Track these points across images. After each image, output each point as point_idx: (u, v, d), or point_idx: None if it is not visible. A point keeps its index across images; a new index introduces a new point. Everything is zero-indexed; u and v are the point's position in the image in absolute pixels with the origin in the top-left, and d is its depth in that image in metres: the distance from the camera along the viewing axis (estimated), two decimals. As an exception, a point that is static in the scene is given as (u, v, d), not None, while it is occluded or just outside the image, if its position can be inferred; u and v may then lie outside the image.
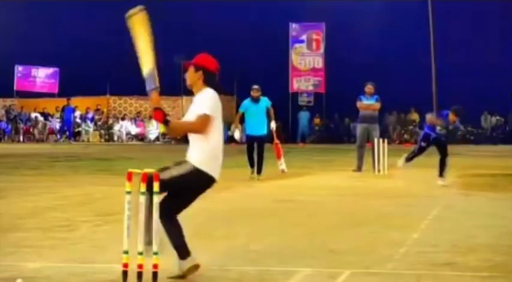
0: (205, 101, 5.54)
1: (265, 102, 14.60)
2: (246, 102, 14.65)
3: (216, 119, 5.53)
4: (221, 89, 5.75)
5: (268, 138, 14.84)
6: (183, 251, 5.51)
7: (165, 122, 5.45)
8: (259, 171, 14.30)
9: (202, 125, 5.47)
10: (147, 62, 5.70)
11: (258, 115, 14.50)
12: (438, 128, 13.08)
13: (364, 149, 16.46)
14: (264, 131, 14.54)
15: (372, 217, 8.84)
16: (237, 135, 14.98)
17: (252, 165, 14.42)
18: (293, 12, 36.69)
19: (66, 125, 36.71)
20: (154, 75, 5.68)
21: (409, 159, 13.89)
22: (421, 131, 36.46)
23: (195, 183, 5.52)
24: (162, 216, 5.35)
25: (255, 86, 14.65)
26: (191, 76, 5.69)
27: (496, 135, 35.69)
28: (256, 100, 14.49)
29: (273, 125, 14.76)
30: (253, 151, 14.39)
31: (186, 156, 5.58)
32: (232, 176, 13.10)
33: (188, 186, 5.51)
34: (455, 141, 30.40)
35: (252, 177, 14.22)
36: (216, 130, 5.56)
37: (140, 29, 5.70)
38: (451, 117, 13.03)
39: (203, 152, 5.53)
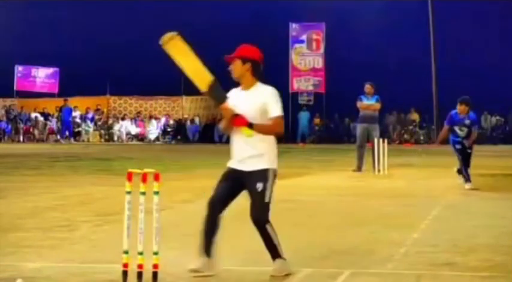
0: (277, 101, 5.66)
1: None
2: None
3: None
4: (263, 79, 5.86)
5: None
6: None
7: (250, 125, 5.52)
8: None
9: (282, 127, 5.67)
10: (203, 79, 5.72)
11: None
12: (457, 128, 12.41)
13: (364, 149, 16.45)
14: None
15: (372, 217, 8.84)
16: None
17: None
18: (293, 12, 36.69)
19: (65, 125, 36.67)
20: (218, 87, 5.70)
21: (460, 171, 12.63)
22: (420, 131, 36.70)
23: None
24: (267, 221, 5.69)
25: None
26: (239, 69, 5.71)
27: (496, 135, 35.68)
28: None
29: None
30: None
31: (255, 158, 5.60)
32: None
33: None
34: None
35: None
36: None
37: (179, 53, 5.76)
38: (461, 108, 12.36)
39: (274, 152, 5.69)
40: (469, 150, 12.50)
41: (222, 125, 5.81)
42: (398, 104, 33.78)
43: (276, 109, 5.60)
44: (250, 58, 5.74)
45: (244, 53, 5.76)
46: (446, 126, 12.72)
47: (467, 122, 12.43)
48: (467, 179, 12.37)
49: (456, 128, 12.47)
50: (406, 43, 35.13)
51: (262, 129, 5.56)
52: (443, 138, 12.84)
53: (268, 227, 5.67)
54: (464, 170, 12.44)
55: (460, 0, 33.61)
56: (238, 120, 5.55)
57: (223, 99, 5.65)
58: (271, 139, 5.67)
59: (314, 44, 37.48)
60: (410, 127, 36.42)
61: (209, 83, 5.67)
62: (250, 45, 5.86)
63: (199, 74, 5.72)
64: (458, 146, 12.49)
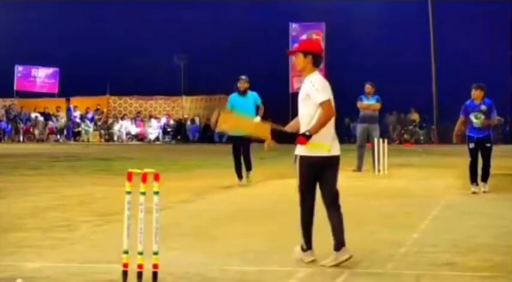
0: (316, 89, 6.00)
1: (253, 97, 12.92)
2: (233, 96, 13.04)
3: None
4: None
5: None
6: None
7: (307, 137, 5.94)
8: (248, 169, 12.91)
9: (330, 109, 5.97)
10: (263, 130, 6.16)
11: (246, 112, 12.51)
12: (472, 116, 11.56)
13: (364, 149, 16.44)
14: None
15: (372, 217, 8.83)
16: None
17: (239, 175, 12.91)
18: (293, 12, 36.70)
19: (69, 125, 36.63)
20: (279, 130, 6.16)
21: (472, 175, 11.78)
22: (420, 131, 36.63)
23: None
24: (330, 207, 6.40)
25: (243, 77, 13.02)
26: (301, 62, 6.14)
27: (496, 135, 35.64)
28: (243, 93, 12.89)
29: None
30: (240, 154, 12.83)
31: (333, 146, 6.08)
32: (232, 176, 13.09)
33: None
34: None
35: (240, 184, 12.76)
36: None
37: (233, 126, 6.24)
38: (476, 93, 11.57)
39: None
40: (487, 145, 11.67)
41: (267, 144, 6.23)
42: (398, 104, 33.75)
43: (318, 97, 5.97)
44: (312, 51, 6.12)
45: (305, 47, 6.22)
46: (461, 117, 11.78)
47: (483, 107, 11.59)
48: (473, 180, 11.72)
49: (472, 117, 11.60)
50: (406, 43, 35.13)
51: (318, 127, 5.94)
52: (459, 131, 11.88)
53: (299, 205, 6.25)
54: (470, 172, 11.77)
55: (460, 0, 33.60)
56: (298, 140, 5.96)
57: (290, 137, 6.05)
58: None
59: (314, 44, 37.48)
60: (410, 127, 36.39)
61: (269, 131, 6.08)
62: (311, 39, 6.37)
63: (257, 129, 6.17)
64: (471, 145, 11.66)
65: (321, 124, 5.95)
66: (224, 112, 6.10)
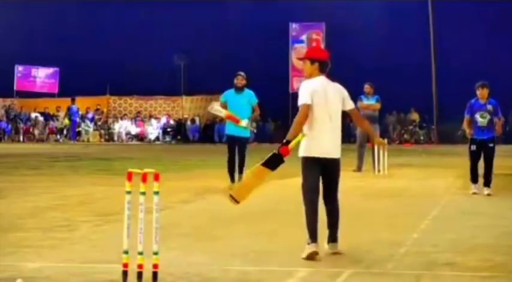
0: (299, 93, 6.41)
1: (249, 96, 12.42)
2: (229, 92, 12.48)
3: (316, 105, 6.36)
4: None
5: (249, 138, 12.74)
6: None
7: (287, 142, 6.31)
8: (240, 172, 12.12)
9: (300, 112, 6.38)
10: (263, 173, 6.51)
11: (240, 110, 12.27)
12: (478, 115, 11.33)
13: (364, 148, 16.46)
14: (246, 131, 12.40)
15: (372, 217, 8.84)
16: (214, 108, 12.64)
17: (232, 179, 12.19)
18: (293, 12, 36.71)
19: (73, 125, 36.61)
20: (268, 161, 6.45)
21: (473, 176, 11.61)
22: (420, 131, 36.60)
23: None
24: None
25: (241, 73, 12.47)
26: (308, 68, 6.51)
27: (496, 135, 35.59)
28: (240, 90, 12.34)
29: (250, 126, 12.48)
30: (235, 156, 12.24)
31: (333, 147, 6.57)
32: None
33: None
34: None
35: (231, 187, 11.51)
36: (316, 115, 6.40)
37: (247, 190, 6.49)
38: (482, 92, 11.32)
39: (306, 141, 6.48)
40: (490, 145, 11.44)
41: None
42: (398, 104, 33.74)
43: (298, 101, 6.41)
44: (318, 58, 6.48)
45: (312, 54, 6.57)
46: (467, 117, 11.44)
47: (489, 107, 11.33)
48: (474, 180, 11.57)
49: (477, 116, 11.35)
50: (406, 43, 35.13)
51: (292, 132, 6.36)
52: (471, 129, 11.46)
53: (303, 204, 6.51)
54: (472, 174, 11.55)
55: (460, 0, 33.60)
56: (282, 153, 6.35)
57: (276, 158, 6.39)
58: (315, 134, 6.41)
59: (314, 44, 37.41)
60: (410, 127, 36.40)
61: (265, 169, 6.46)
62: (318, 47, 6.78)
63: (259, 176, 6.49)
64: (473, 147, 11.47)
65: (294, 127, 6.37)
66: (234, 192, 6.45)
